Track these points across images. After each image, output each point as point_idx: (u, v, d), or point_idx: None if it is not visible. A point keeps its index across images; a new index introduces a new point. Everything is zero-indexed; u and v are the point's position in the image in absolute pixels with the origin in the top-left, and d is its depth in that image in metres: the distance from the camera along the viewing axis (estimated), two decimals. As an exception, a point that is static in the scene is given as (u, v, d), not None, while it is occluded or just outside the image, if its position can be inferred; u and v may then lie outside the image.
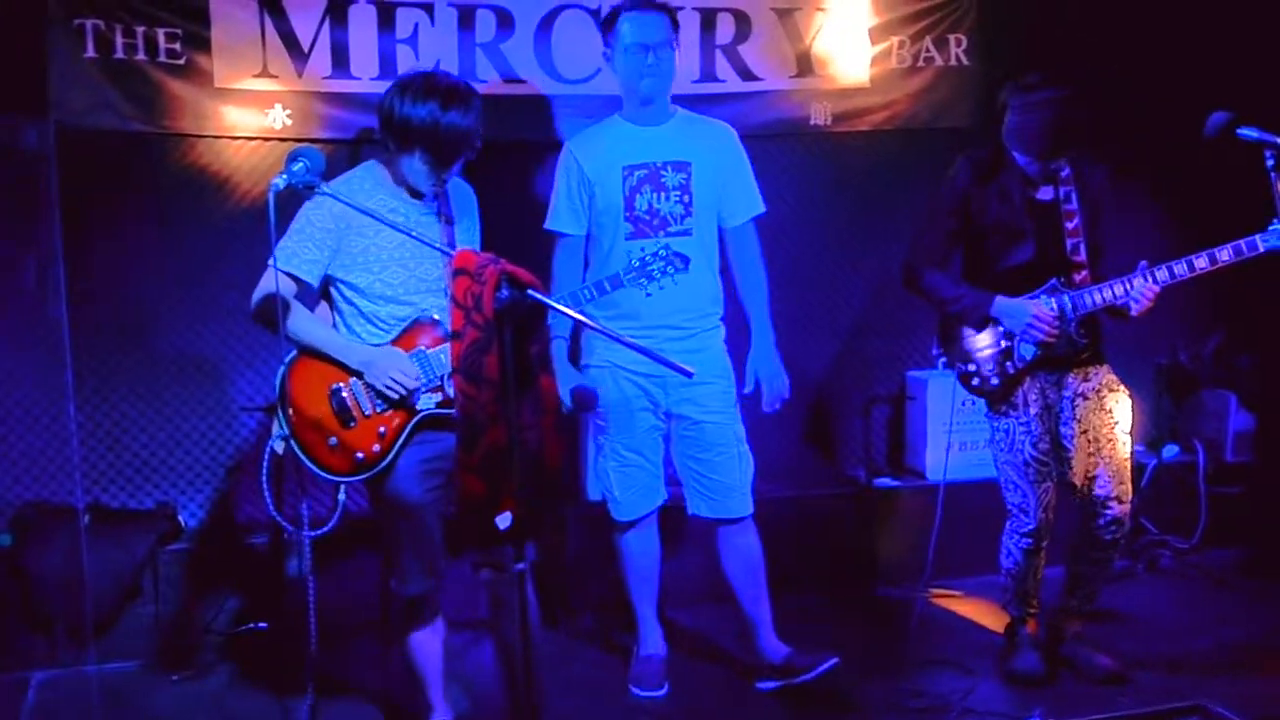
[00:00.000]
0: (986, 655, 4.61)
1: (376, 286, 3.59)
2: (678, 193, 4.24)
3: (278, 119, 4.83)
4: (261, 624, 4.63)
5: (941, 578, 5.38)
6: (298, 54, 4.81)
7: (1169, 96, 5.19)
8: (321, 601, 3.56)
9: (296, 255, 3.57)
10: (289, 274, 3.57)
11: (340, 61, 4.86)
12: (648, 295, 3.81)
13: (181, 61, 4.70)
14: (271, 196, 3.11)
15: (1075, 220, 4.26)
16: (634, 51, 4.18)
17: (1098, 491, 4.30)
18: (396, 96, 3.56)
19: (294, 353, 3.61)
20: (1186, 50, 5.56)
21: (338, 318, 3.70)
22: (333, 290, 3.67)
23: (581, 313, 3.42)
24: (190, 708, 4.30)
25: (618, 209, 4.23)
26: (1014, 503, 4.38)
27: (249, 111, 4.81)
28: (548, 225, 4.33)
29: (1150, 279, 4.07)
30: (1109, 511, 4.30)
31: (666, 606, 4.73)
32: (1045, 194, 4.27)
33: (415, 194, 3.67)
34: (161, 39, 4.66)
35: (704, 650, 4.73)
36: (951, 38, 5.53)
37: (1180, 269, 4.05)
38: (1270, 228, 3.86)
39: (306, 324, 3.62)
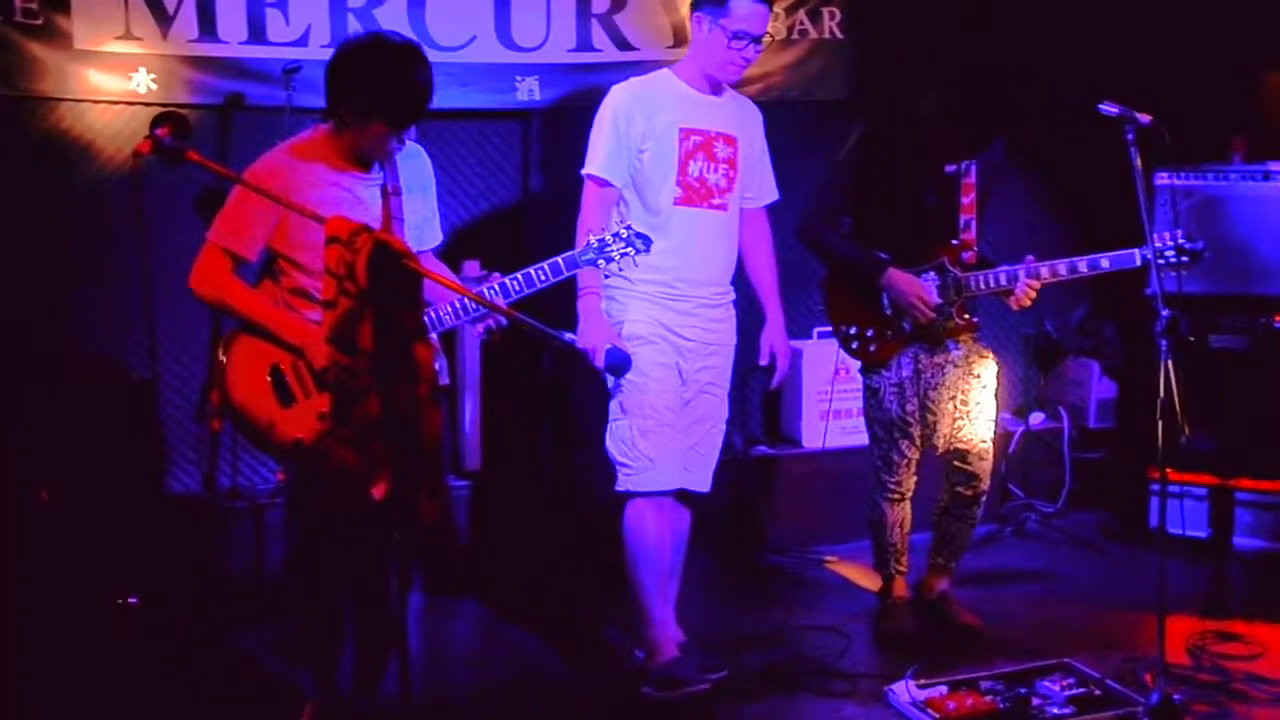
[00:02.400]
0: (862, 617, 4.70)
1: (317, 263, 3.46)
2: (725, 166, 4.15)
3: (142, 83, 4.69)
4: (132, 598, 4.53)
5: (820, 543, 5.49)
6: (162, 16, 4.67)
7: (1038, 74, 5.29)
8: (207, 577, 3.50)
9: (236, 234, 3.45)
10: (228, 251, 3.46)
11: (207, 25, 4.73)
12: (605, 276, 3.75)
13: (39, 22, 4.53)
14: (135, 163, 3.02)
15: (972, 194, 4.35)
16: (738, 38, 4.00)
17: (961, 448, 4.43)
18: (351, 63, 3.36)
19: (234, 327, 3.52)
20: (1053, 28, 5.69)
21: (277, 290, 3.57)
22: (275, 265, 3.55)
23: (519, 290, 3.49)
24: (57, 686, 4.19)
25: (670, 171, 4.07)
26: (879, 457, 4.50)
27: (111, 75, 4.66)
28: (588, 170, 4.08)
29: (1033, 275, 4.18)
30: (971, 468, 4.44)
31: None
32: (948, 166, 4.35)
33: (361, 165, 3.50)
34: (17, -2, 4.49)
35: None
36: (825, 11, 5.58)
37: (1061, 269, 4.17)
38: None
39: (247, 299, 3.50)
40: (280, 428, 3.46)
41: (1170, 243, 4.04)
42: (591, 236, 3.71)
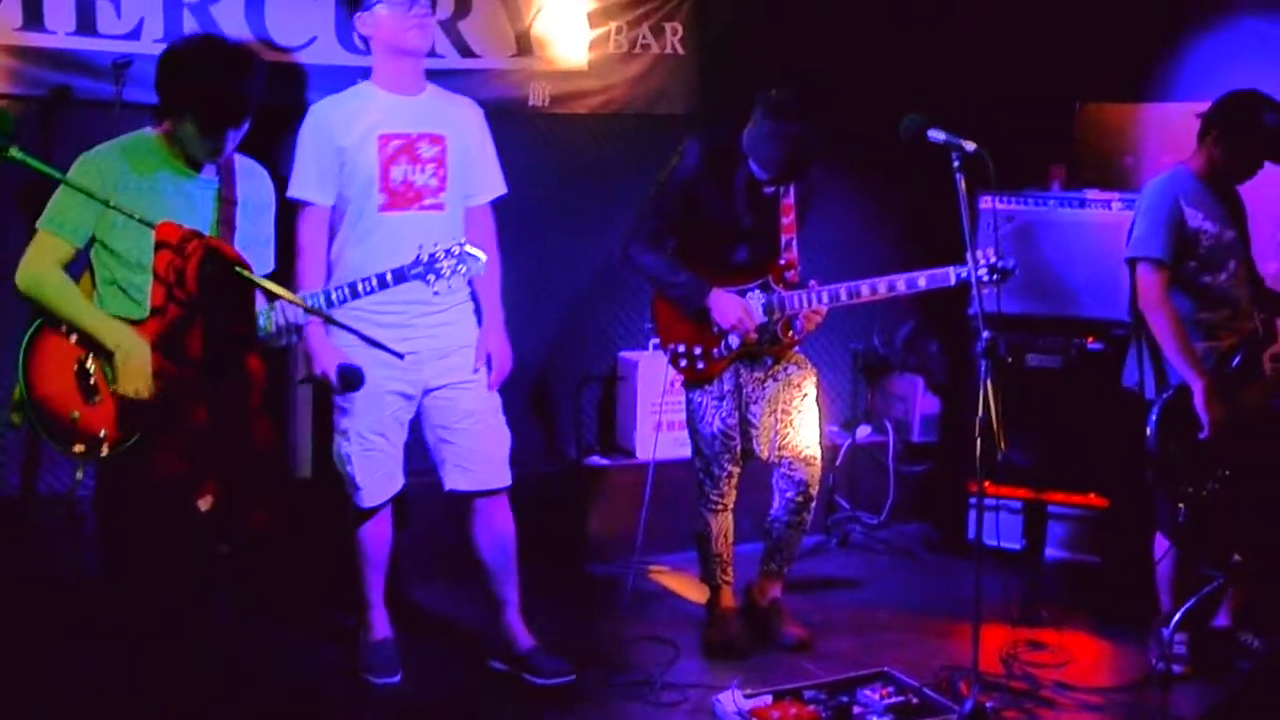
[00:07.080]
0: (690, 628, 4.77)
1: (133, 253, 3.41)
2: (432, 165, 4.15)
3: (-40, 72, 4.51)
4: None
5: (651, 553, 5.54)
6: (-16, 3, 4.50)
7: (869, 96, 5.44)
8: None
9: (61, 215, 3.42)
10: (58, 235, 3.41)
11: (33, 13, 4.54)
12: (435, 293, 3.67)
13: None
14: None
15: (791, 215, 4.45)
16: (399, 3, 4.03)
17: (787, 456, 4.53)
18: (171, 57, 3.42)
19: (41, 320, 3.45)
20: (885, 50, 5.85)
21: (92, 283, 3.52)
22: (91, 254, 3.50)
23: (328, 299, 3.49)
24: None
25: (372, 179, 4.09)
26: (701, 470, 4.60)
27: (-72, 63, 4.47)
28: (292, 194, 4.10)
29: (853, 293, 4.29)
30: (797, 475, 4.54)
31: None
32: (768, 189, 4.45)
33: (194, 165, 3.51)
34: None
35: (435, 630, 4.75)
36: (668, 26, 5.64)
37: (881, 287, 4.29)
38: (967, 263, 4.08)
39: (69, 294, 3.43)
40: (82, 422, 3.40)
41: (984, 261, 4.19)
42: (422, 249, 3.63)
